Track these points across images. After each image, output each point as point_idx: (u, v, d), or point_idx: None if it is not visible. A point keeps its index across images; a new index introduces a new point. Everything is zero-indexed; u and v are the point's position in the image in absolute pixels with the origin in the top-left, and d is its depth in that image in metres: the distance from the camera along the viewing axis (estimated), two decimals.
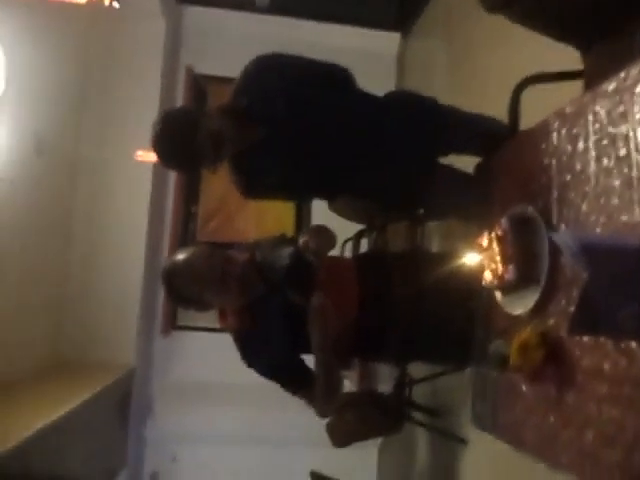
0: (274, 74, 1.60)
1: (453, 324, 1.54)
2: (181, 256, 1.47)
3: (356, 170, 1.62)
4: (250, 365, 1.57)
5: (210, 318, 5.19)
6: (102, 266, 4.10)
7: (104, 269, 4.09)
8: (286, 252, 1.51)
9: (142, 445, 4.47)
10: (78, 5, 1.60)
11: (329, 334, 1.44)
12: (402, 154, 1.62)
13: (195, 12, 4.78)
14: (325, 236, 1.54)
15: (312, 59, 1.65)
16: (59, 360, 3.88)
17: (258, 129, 1.55)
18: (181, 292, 1.46)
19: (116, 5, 1.64)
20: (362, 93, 1.68)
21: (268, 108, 1.55)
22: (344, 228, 3.45)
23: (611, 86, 1.00)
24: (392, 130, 1.62)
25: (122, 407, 4.19)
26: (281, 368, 1.53)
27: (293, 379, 1.54)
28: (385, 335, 1.59)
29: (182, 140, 1.48)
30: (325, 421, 3.29)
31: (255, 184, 1.64)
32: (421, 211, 2.17)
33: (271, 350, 1.51)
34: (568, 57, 1.57)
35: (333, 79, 1.63)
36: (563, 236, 0.93)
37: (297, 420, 4.11)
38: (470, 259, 1.31)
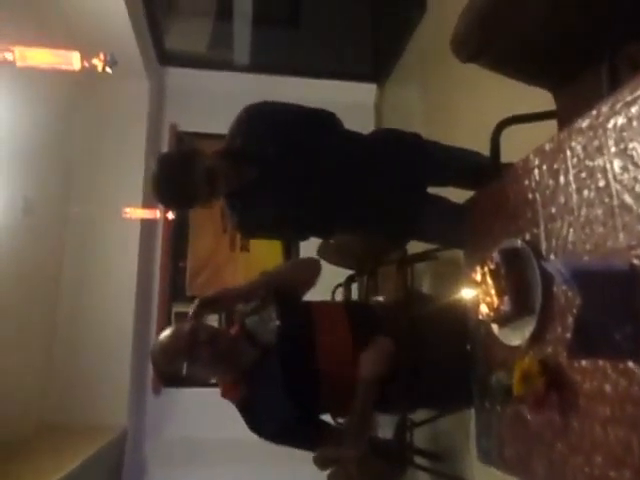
0: (265, 118, 1.68)
1: (453, 364, 1.54)
2: (159, 338, 1.50)
3: (348, 206, 1.68)
4: (259, 433, 1.55)
5: None
6: (91, 325, 4.05)
7: (93, 328, 4.04)
8: (272, 314, 1.55)
9: None
10: (70, 72, 1.68)
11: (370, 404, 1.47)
12: (391, 187, 1.69)
13: (178, 73, 4.94)
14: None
15: (300, 105, 1.73)
16: (46, 425, 3.76)
17: (251, 169, 1.61)
18: (165, 374, 1.50)
19: (109, 71, 1.71)
20: (349, 133, 1.76)
21: (260, 149, 1.63)
22: (335, 273, 3.49)
23: (585, 123, 1.07)
24: (380, 165, 1.69)
25: (115, 471, 4.04)
26: (289, 429, 1.50)
27: (305, 436, 1.53)
28: (386, 385, 1.55)
29: (179, 177, 1.54)
30: (326, 473, 3.21)
31: (250, 223, 1.70)
32: (408, 245, 2.22)
33: (275, 413, 1.49)
34: (540, 96, 1.67)
35: (320, 122, 1.71)
36: (555, 264, 0.98)
37: (296, 474, 4.01)
38: (465, 294, 1.34)
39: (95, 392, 3.91)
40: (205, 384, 1.62)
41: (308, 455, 3.43)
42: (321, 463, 3.45)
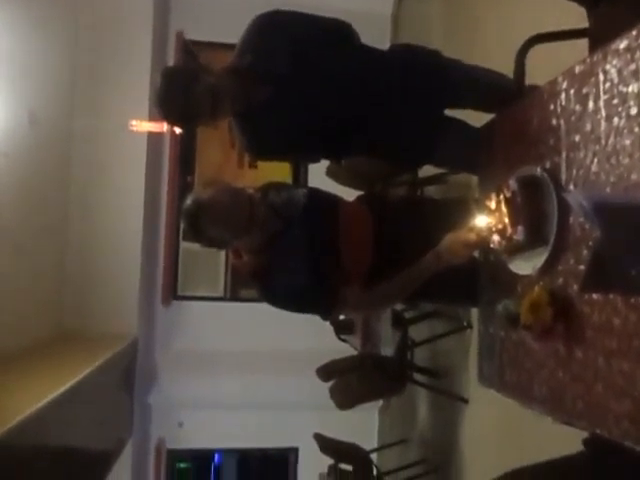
0: (276, 31, 1.57)
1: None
2: (205, 195, 1.42)
3: (362, 126, 1.60)
4: (274, 299, 1.57)
5: (209, 287, 5.21)
6: (100, 237, 4.10)
7: (102, 240, 4.10)
8: (300, 191, 1.61)
9: (148, 413, 4.57)
10: None
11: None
12: (408, 108, 1.61)
13: None
14: None
15: (314, 15, 1.61)
16: (61, 332, 3.91)
17: (263, 89, 1.53)
18: (204, 231, 1.42)
19: None
20: (366, 48, 1.65)
21: (272, 66, 1.53)
22: (344, 194, 3.45)
23: (622, 44, 0.99)
24: (397, 84, 1.60)
25: (127, 376, 4.25)
26: (310, 292, 1.52)
27: (323, 301, 1.55)
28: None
29: (181, 95, 1.45)
30: (328, 385, 3.37)
31: (261, 144, 1.63)
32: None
33: (296, 280, 1.50)
34: (572, 13, 1.55)
35: (336, 34, 1.60)
36: (575, 195, 0.94)
37: (299, 385, 4.21)
38: (478, 222, 1.32)
39: (107, 301, 4.03)
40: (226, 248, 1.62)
41: (311, 368, 3.57)
42: (324, 375, 3.60)
